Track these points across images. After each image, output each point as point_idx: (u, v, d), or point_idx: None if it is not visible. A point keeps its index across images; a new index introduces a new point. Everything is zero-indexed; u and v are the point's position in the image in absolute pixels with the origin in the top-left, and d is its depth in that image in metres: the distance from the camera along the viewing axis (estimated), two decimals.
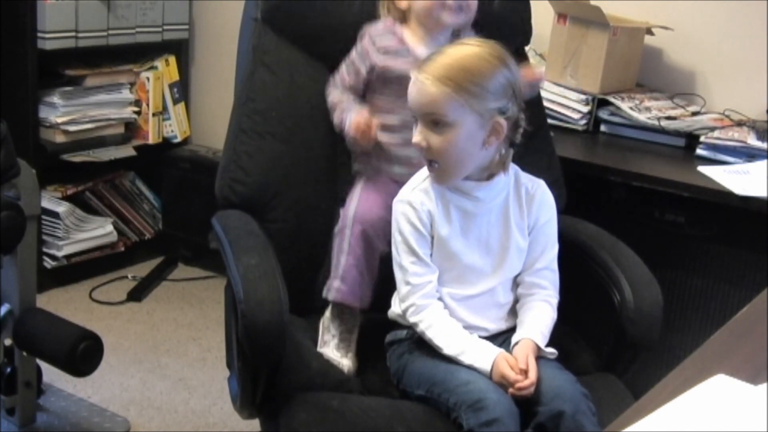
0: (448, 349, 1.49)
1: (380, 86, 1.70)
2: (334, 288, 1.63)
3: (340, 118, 1.70)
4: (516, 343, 1.51)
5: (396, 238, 1.54)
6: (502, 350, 1.48)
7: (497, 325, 1.57)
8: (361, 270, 1.61)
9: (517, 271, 1.58)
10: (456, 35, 1.70)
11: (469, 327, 1.53)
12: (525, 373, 1.44)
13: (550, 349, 1.52)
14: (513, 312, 1.59)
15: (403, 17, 1.70)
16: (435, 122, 1.46)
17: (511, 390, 1.42)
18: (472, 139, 1.47)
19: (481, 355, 1.47)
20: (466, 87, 1.44)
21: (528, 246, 1.58)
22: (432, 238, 1.53)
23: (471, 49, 1.49)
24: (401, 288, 1.54)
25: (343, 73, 1.73)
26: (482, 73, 1.46)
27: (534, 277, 1.58)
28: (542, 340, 1.52)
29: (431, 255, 1.53)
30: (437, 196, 1.53)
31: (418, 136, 1.49)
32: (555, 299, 1.59)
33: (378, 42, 1.69)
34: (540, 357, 1.49)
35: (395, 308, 1.59)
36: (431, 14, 1.66)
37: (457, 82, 1.44)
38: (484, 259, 1.55)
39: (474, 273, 1.55)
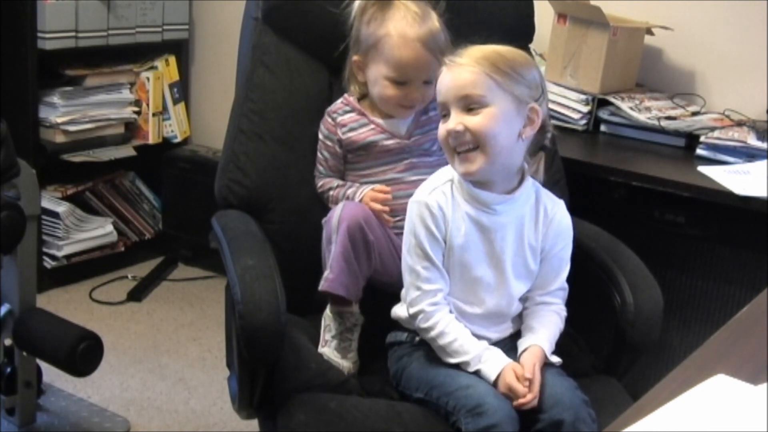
0: (458, 357, 1.47)
1: (352, 157, 1.73)
2: (323, 278, 1.61)
3: (335, 197, 1.72)
4: (525, 350, 1.50)
5: (410, 240, 1.51)
6: (510, 361, 1.46)
7: (501, 334, 1.56)
8: (347, 258, 1.58)
9: (523, 291, 1.56)
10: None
11: (473, 335, 1.51)
12: (530, 382, 1.43)
13: (556, 358, 1.52)
14: (518, 319, 1.58)
15: (365, 90, 1.73)
16: (470, 106, 1.44)
17: (515, 402, 1.42)
18: (509, 125, 1.45)
19: (489, 365, 1.46)
20: (503, 69, 1.44)
21: (542, 269, 1.56)
22: (445, 243, 1.51)
23: (504, 45, 1.50)
24: (411, 292, 1.51)
25: (321, 158, 1.76)
26: (517, 61, 1.47)
27: (546, 297, 1.57)
28: (549, 348, 1.51)
29: (443, 262, 1.51)
30: (454, 204, 1.51)
31: (452, 122, 1.46)
32: (564, 312, 1.58)
33: (338, 119, 1.73)
34: (544, 363, 1.49)
35: (400, 311, 1.57)
36: (387, 106, 1.70)
37: (494, 63, 1.44)
38: (492, 275, 1.52)
39: (481, 287, 1.52)
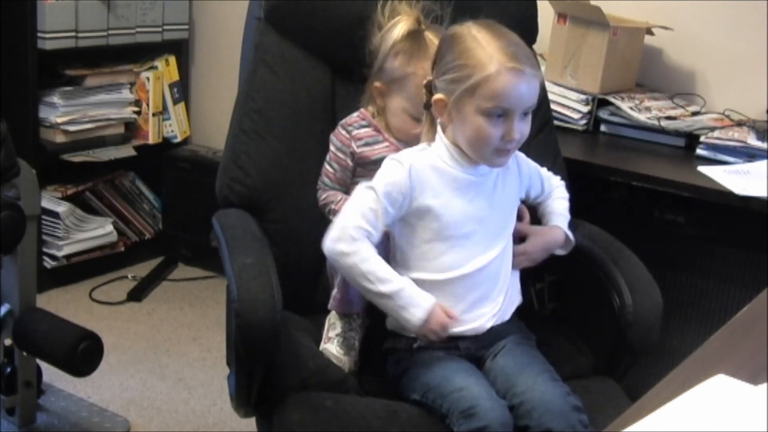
0: (383, 286, 1.45)
1: (361, 171, 1.72)
2: (332, 296, 1.63)
3: (337, 211, 1.69)
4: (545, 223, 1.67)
5: (366, 189, 1.50)
6: (434, 300, 1.46)
7: (481, 321, 1.54)
8: None
9: (501, 246, 1.56)
10: None
11: (464, 321, 1.51)
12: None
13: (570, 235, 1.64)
14: (509, 305, 1.58)
15: (382, 113, 1.73)
16: (526, 112, 1.48)
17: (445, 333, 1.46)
18: None
19: (418, 300, 1.45)
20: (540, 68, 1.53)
21: (535, 193, 1.69)
22: (410, 206, 1.50)
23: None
24: (336, 224, 1.48)
25: (328, 169, 1.74)
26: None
27: (550, 198, 1.71)
28: (564, 221, 1.67)
29: (417, 229, 1.51)
30: (431, 167, 1.51)
31: (516, 132, 1.45)
32: (566, 194, 1.73)
33: (354, 132, 1.72)
34: (533, 363, 1.49)
35: (393, 320, 1.56)
36: (405, 137, 1.69)
37: (537, 66, 1.51)
38: (480, 227, 1.52)
39: (470, 243, 1.52)
